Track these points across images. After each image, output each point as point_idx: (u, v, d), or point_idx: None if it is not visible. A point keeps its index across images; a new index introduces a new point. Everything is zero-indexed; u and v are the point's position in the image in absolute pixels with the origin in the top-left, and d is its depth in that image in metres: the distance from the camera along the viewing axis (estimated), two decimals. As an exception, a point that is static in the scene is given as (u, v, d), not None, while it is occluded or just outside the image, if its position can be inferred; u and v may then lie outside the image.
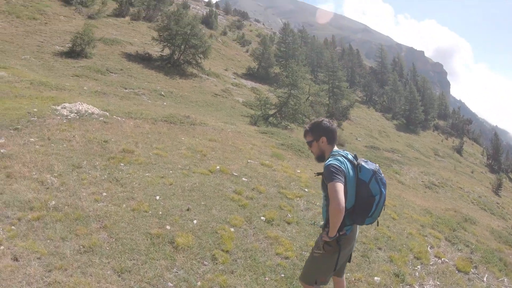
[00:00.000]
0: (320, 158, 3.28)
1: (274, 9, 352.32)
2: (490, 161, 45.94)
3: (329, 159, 3.07)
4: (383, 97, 57.55)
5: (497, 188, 26.05)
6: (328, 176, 2.89)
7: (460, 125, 60.57)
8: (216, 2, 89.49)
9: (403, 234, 7.40)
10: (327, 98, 37.95)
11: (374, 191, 3.03)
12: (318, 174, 3.22)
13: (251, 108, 25.72)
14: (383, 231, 7.03)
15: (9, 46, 21.53)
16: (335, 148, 3.25)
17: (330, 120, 3.33)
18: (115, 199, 5.65)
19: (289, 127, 24.63)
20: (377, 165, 3.22)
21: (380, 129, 41.74)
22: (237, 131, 13.74)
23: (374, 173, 3.07)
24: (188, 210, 5.73)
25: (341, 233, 3.03)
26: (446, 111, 69.02)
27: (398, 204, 9.93)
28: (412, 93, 52.02)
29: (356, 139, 30.92)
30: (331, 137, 3.22)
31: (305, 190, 8.27)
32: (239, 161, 9.26)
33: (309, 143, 3.31)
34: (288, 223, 6.29)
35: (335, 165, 2.94)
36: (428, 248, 7.00)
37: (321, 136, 3.22)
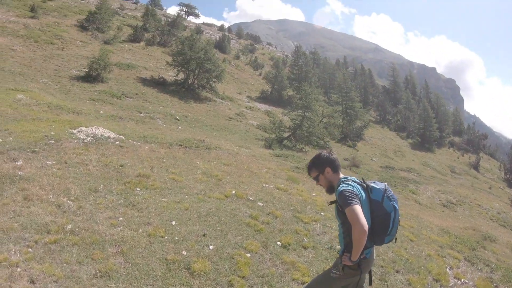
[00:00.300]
0: (330, 189, 3.31)
1: (286, 32, 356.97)
2: (508, 176, 44.92)
3: (340, 185, 3.11)
4: (397, 116, 57.20)
5: None
6: (345, 201, 2.92)
7: (476, 140, 59.57)
8: (229, 26, 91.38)
9: (421, 256, 7.23)
10: (341, 119, 37.94)
11: (388, 209, 3.09)
12: (331, 203, 3.26)
13: (266, 131, 25.87)
14: (400, 254, 6.89)
15: (27, 69, 22.23)
16: (341, 175, 3.29)
17: (329, 151, 3.41)
18: (132, 224, 5.69)
19: (303, 149, 24.61)
20: (386, 184, 3.27)
21: (395, 148, 41.37)
22: (252, 155, 13.77)
23: (385, 191, 3.14)
24: (204, 235, 5.73)
25: (361, 257, 3.04)
26: (461, 127, 68.08)
27: (416, 225, 9.73)
28: (426, 111, 51.60)
29: (371, 159, 30.65)
30: (335, 166, 3.27)
31: (321, 214, 8.18)
32: (254, 185, 9.23)
33: (316, 178, 3.35)
34: (305, 248, 6.21)
35: (348, 190, 2.99)
36: (447, 270, 6.82)
37: (325, 167, 3.26)
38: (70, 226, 5.22)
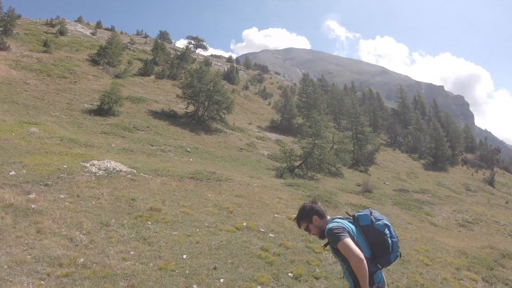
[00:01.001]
0: (322, 235, 3.39)
1: (293, 60, 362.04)
2: (524, 188, 44.02)
3: (327, 225, 3.21)
4: (407, 137, 56.84)
5: None
6: (334, 238, 3.02)
7: (489, 155, 58.58)
8: (237, 57, 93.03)
9: (437, 280, 7.08)
10: (352, 145, 37.83)
11: (381, 228, 3.18)
12: (326, 245, 3.35)
13: (277, 161, 25.89)
14: (415, 279, 6.77)
15: (40, 103, 22.82)
16: (328, 217, 3.40)
17: (311, 200, 3.54)
18: (143, 258, 5.74)
19: (315, 177, 24.49)
20: (370, 208, 3.43)
21: (407, 170, 40.92)
22: (263, 185, 13.77)
23: (371, 213, 3.26)
24: (215, 268, 5.73)
25: (374, 287, 3.08)
26: (473, 144, 67.18)
27: (431, 248, 9.55)
28: (436, 130, 51.24)
29: (384, 183, 30.31)
30: (320, 213, 3.37)
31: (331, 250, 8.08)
32: (265, 216, 9.23)
33: (307, 229, 3.46)
34: (317, 278, 6.15)
35: (334, 226, 3.10)
36: (465, 292, 6.66)
37: (312, 216, 3.37)
38: (82, 259, 5.31)
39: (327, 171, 25.83)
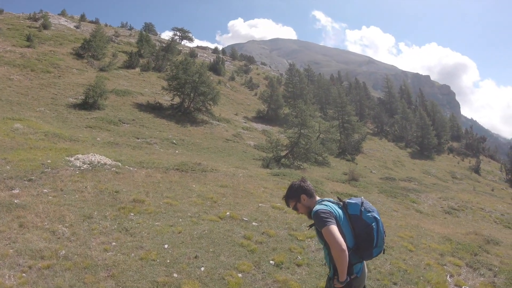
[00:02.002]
0: (310, 214, 3.29)
1: (279, 50, 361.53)
2: (509, 176, 45.02)
3: (315, 207, 3.13)
4: (394, 126, 57.47)
5: None
6: (320, 222, 2.93)
7: (475, 144, 59.69)
8: (223, 48, 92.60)
9: (420, 266, 7.15)
10: (338, 134, 38.08)
11: (369, 220, 3.07)
12: (311, 226, 3.27)
13: (263, 151, 25.93)
14: (398, 265, 6.82)
15: (24, 98, 22.46)
16: (318, 198, 3.32)
17: (299, 180, 3.42)
18: (124, 249, 5.72)
19: (301, 167, 24.61)
20: (362, 197, 3.29)
21: (394, 159, 41.38)
22: (249, 175, 13.77)
23: (362, 203, 3.15)
24: (196, 257, 5.73)
25: (352, 277, 3.02)
26: (459, 132, 68.29)
27: (415, 235, 9.67)
28: (422, 119, 51.93)
29: (371, 171, 30.61)
30: (309, 192, 3.29)
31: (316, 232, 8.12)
32: (250, 206, 9.24)
33: (295, 208, 3.37)
34: (298, 266, 6.16)
35: (322, 210, 3.00)
36: (448, 278, 6.72)
37: (300, 195, 3.28)
38: (63, 251, 5.32)
39: (313, 161, 26.00)
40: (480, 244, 9.44)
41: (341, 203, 3.21)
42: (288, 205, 3.40)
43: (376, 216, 3.10)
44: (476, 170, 44.24)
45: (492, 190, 32.83)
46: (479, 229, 13.23)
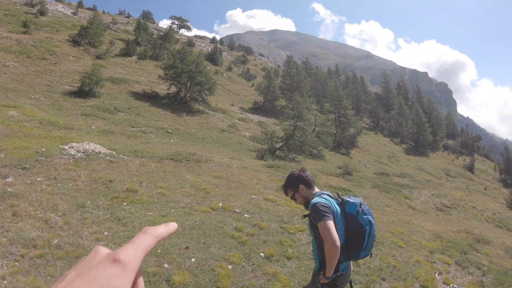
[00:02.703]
0: (307, 205, 3.29)
1: (277, 42, 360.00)
2: (503, 176, 45.51)
3: (314, 198, 3.12)
4: (390, 122, 57.63)
5: (511, 203, 25.42)
6: (317, 216, 2.91)
7: (470, 142, 60.15)
8: (221, 38, 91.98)
9: (410, 262, 7.23)
10: (334, 128, 38.14)
11: (363, 223, 3.08)
12: (305, 216, 3.26)
13: (258, 142, 25.96)
14: (388, 261, 6.90)
15: (20, 85, 22.27)
16: (317, 190, 3.32)
17: (299, 169, 3.42)
18: (116, 238, 5.76)
19: (296, 159, 24.66)
20: (361, 198, 3.30)
21: (389, 154, 41.56)
22: (243, 167, 13.80)
23: (360, 205, 3.14)
24: (187, 248, 5.77)
25: (337, 273, 3.03)
26: (455, 130, 68.71)
27: (406, 231, 9.76)
28: (418, 116, 52.12)
29: (365, 166, 30.75)
30: (307, 182, 3.28)
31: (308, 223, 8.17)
32: (242, 197, 9.28)
33: (293, 197, 3.36)
34: (288, 259, 6.22)
35: (321, 203, 2.98)
36: (436, 275, 6.80)
37: (299, 185, 3.28)
38: (56, 240, 5.34)
39: (308, 153, 26.09)
40: (470, 243, 9.54)
41: (340, 199, 3.21)
42: (286, 194, 3.39)
43: (371, 219, 3.11)
44: (470, 169, 44.59)
45: (485, 189, 33.12)
46: (470, 227, 13.36)
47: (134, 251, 0.48)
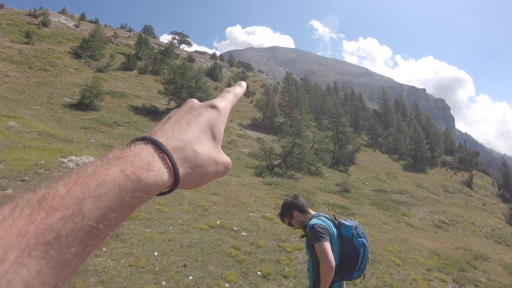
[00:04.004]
0: (304, 228, 3.37)
1: (277, 59, 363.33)
2: (501, 191, 45.35)
3: (312, 219, 3.23)
4: (388, 138, 57.84)
5: (510, 218, 25.17)
6: (315, 237, 3.01)
7: (468, 158, 60.29)
8: (221, 54, 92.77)
9: (407, 281, 7.24)
10: (332, 144, 38.27)
11: (358, 245, 3.19)
12: (302, 236, 3.36)
13: (257, 159, 25.98)
14: (385, 279, 6.90)
15: (20, 96, 22.36)
16: (313, 212, 3.41)
17: (291, 196, 3.51)
18: (114, 255, 5.76)
19: (294, 176, 24.68)
20: (356, 221, 3.38)
21: (387, 171, 41.58)
22: (241, 184, 13.84)
23: (355, 228, 3.25)
24: (184, 266, 5.78)
25: None
26: (453, 146, 69.02)
27: (404, 249, 9.76)
28: (416, 132, 52.35)
29: (363, 183, 30.74)
30: (301, 208, 3.37)
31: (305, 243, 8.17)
32: (240, 215, 9.31)
33: (290, 224, 3.45)
34: (285, 277, 6.22)
35: (319, 225, 3.09)
36: (433, 293, 6.84)
37: (293, 211, 3.37)
38: (53, 256, 5.31)
39: (306, 170, 26.10)
40: (468, 260, 9.54)
41: (336, 222, 3.30)
42: (283, 222, 3.48)
43: (365, 242, 3.22)
44: (469, 185, 44.57)
45: (484, 204, 33.06)
46: (468, 244, 13.33)
47: (225, 103, 0.59)
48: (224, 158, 0.54)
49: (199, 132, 0.50)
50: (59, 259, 0.31)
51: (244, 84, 0.69)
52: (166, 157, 0.43)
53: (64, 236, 0.32)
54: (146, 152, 0.42)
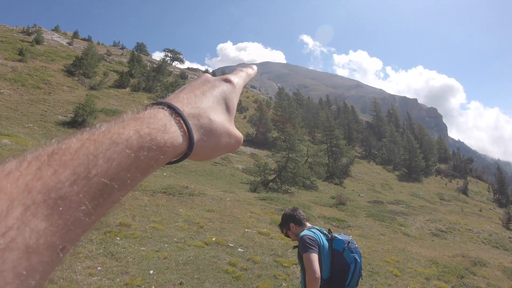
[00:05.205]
0: None
1: (269, 74, 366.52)
2: (497, 196, 45.58)
3: (303, 231, 3.25)
4: (382, 149, 58.10)
5: (507, 222, 25.24)
6: (303, 247, 3.04)
7: (462, 165, 60.66)
8: (213, 71, 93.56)
9: (405, 291, 7.23)
10: (326, 158, 38.34)
11: (348, 260, 3.17)
12: (295, 247, 3.35)
13: (251, 175, 25.94)
14: (383, 291, 6.88)
15: (13, 113, 22.29)
16: (309, 225, 3.44)
17: (291, 208, 3.56)
18: (109, 273, 5.69)
19: (289, 191, 24.63)
20: (350, 236, 3.39)
21: (382, 182, 41.65)
22: (236, 200, 13.81)
23: (348, 243, 3.25)
24: (181, 284, 5.72)
25: None
26: (446, 154, 69.48)
27: (402, 259, 9.74)
28: (410, 142, 52.72)
29: (359, 195, 30.74)
30: (297, 220, 3.42)
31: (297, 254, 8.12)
32: (236, 231, 9.26)
33: (287, 235, 3.51)
34: (283, 292, 6.18)
35: (309, 236, 3.11)
36: (433, 302, 6.80)
37: (289, 223, 3.42)
38: (49, 275, 5.24)
39: (301, 185, 26.07)
40: (467, 266, 9.53)
41: (329, 235, 3.31)
42: (282, 232, 3.54)
43: (357, 258, 3.20)
44: (464, 191, 44.78)
45: (480, 210, 33.18)
46: (466, 250, 13.33)
47: (238, 79, 0.59)
48: (237, 131, 0.54)
49: (214, 102, 0.51)
50: (68, 218, 0.30)
51: (255, 67, 0.70)
52: (182, 121, 0.43)
53: (74, 193, 0.31)
54: (162, 115, 0.42)
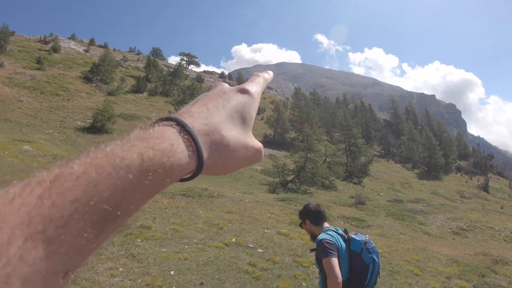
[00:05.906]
0: (312, 238, 3.42)
1: (285, 74, 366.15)
2: (518, 192, 44.45)
3: (321, 234, 3.23)
4: (400, 147, 57.29)
5: None
6: (322, 252, 3.02)
7: (482, 162, 59.28)
8: (229, 73, 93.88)
9: (426, 290, 7.14)
10: (345, 157, 38.06)
11: (367, 261, 3.16)
12: (312, 250, 3.35)
13: (270, 176, 25.96)
14: (404, 290, 6.82)
15: (34, 120, 22.87)
16: (326, 225, 3.41)
17: (315, 204, 3.51)
18: (131, 274, 5.81)
19: (308, 191, 24.55)
20: (367, 236, 3.37)
21: (401, 180, 41.10)
22: (255, 201, 13.85)
23: (365, 243, 3.23)
24: (201, 284, 5.80)
25: None
26: (466, 151, 67.98)
27: (422, 258, 9.60)
28: (429, 139, 51.85)
29: (378, 194, 30.43)
30: (314, 219, 3.38)
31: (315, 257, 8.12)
32: (255, 232, 9.31)
33: (300, 225, 3.52)
34: (303, 292, 6.19)
35: (327, 240, 3.09)
36: (454, 301, 6.71)
37: (306, 218, 3.41)
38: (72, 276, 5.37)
39: (320, 185, 25.96)
40: (488, 265, 9.35)
41: (346, 236, 3.30)
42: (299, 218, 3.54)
43: (375, 258, 3.19)
44: (485, 188, 43.87)
45: (502, 207, 32.40)
46: (488, 249, 13.06)
47: (256, 87, 0.57)
48: (255, 142, 0.52)
49: (227, 116, 0.49)
50: (69, 245, 0.30)
51: (271, 72, 0.68)
52: (191, 139, 0.41)
53: (76, 221, 0.30)
54: (170, 133, 0.40)
